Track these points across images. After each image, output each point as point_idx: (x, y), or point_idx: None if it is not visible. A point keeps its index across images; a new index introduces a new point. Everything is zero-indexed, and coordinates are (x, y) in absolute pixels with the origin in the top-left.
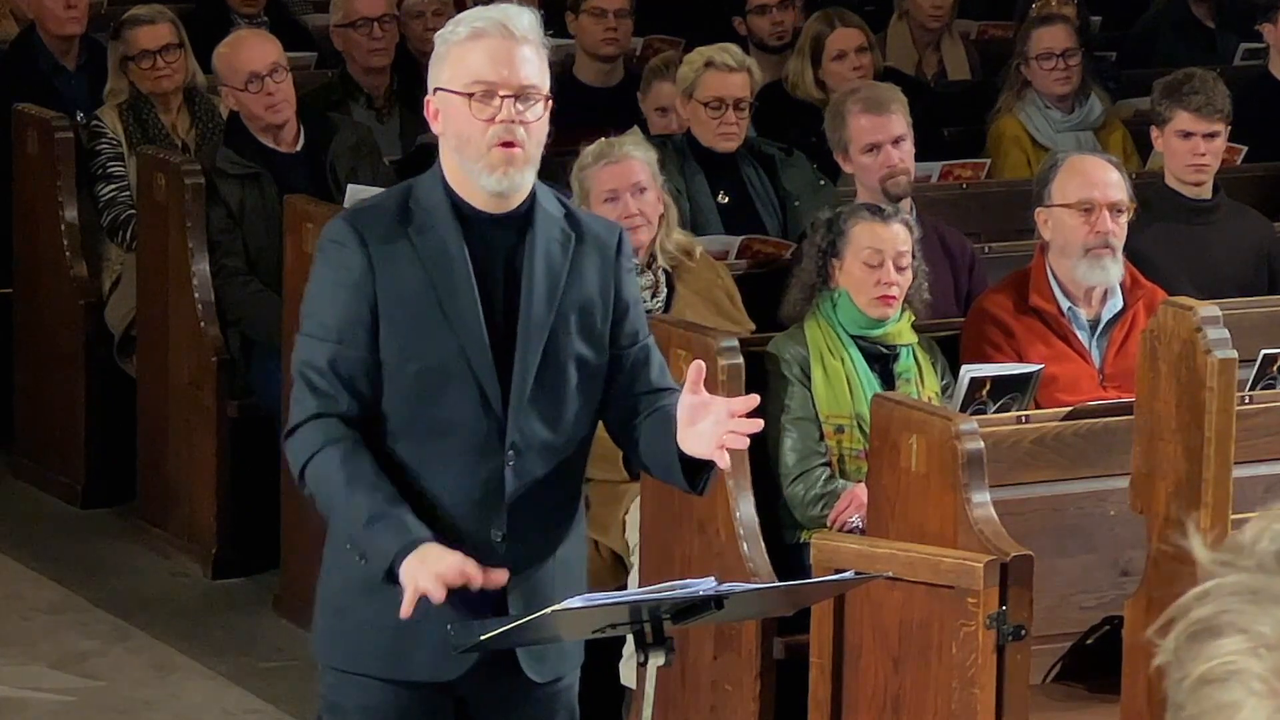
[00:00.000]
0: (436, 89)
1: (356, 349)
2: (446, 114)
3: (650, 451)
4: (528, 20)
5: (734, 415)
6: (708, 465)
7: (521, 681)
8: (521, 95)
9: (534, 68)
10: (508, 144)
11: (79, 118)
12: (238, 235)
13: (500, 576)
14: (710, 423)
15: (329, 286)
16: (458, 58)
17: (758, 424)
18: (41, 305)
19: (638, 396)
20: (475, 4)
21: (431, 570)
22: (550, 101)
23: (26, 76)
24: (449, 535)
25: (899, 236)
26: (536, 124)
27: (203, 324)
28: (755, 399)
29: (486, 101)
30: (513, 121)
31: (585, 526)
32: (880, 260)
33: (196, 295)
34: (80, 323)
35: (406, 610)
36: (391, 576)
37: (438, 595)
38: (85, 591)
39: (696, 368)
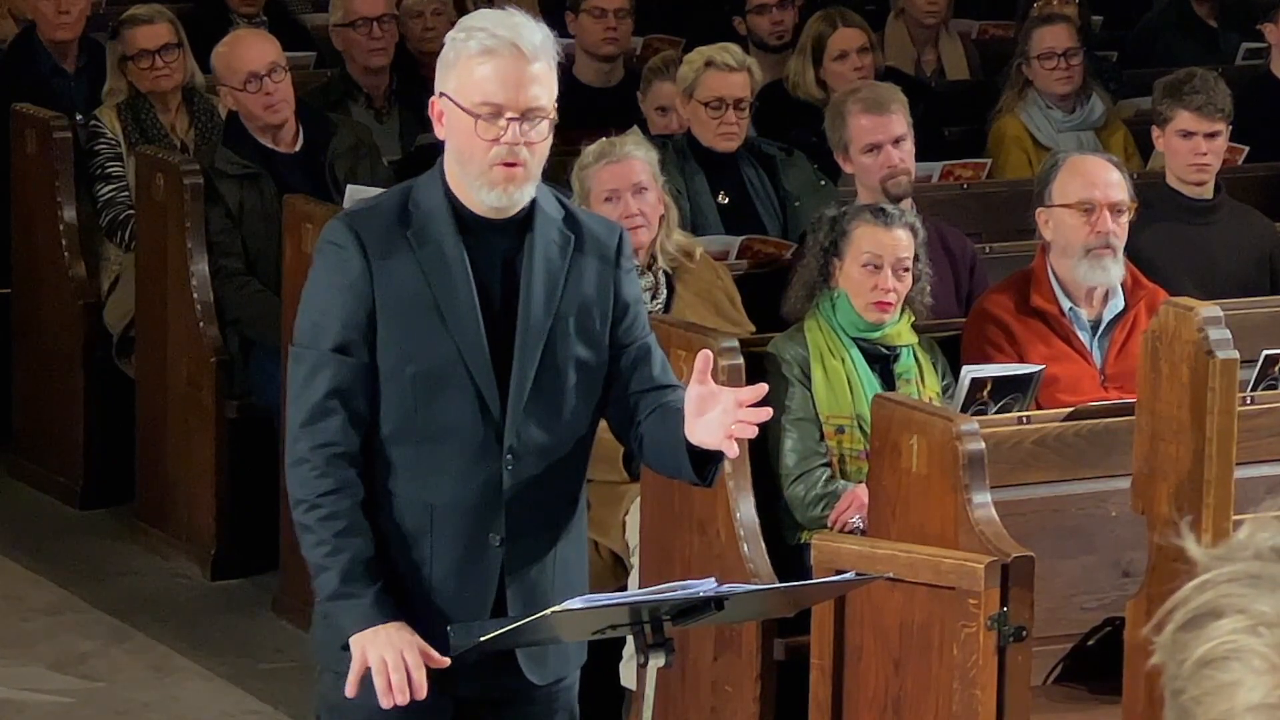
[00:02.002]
0: (443, 93)
1: (354, 355)
2: (451, 122)
3: (656, 446)
4: (540, 38)
5: (742, 405)
6: (715, 456)
7: (521, 682)
8: (527, 117)
9: (543, 88)
10: (509, 164)
11: (78, 119)
12: (237, 235)
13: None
14: (718, 412)
15: (327, 289)
16: (466, 70)
17: (766, 413)
18: (40, 305)
19: (640, 394)
20: (475, 6)
21: (394, 646)
22: (556, 114)
23: (26, 77)
24: (446, 538)
25: (900, 242)
26: (541, 143)
27: (201, 324)
28: (764, 388)
29: (492, 122)
30: (517, 144)
31: (586, 527)
32: (879, 265)
33: (195, 295)
34: (79, 323)
35: (351, 690)
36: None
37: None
38: (84, 592)
39: (703, 357)
